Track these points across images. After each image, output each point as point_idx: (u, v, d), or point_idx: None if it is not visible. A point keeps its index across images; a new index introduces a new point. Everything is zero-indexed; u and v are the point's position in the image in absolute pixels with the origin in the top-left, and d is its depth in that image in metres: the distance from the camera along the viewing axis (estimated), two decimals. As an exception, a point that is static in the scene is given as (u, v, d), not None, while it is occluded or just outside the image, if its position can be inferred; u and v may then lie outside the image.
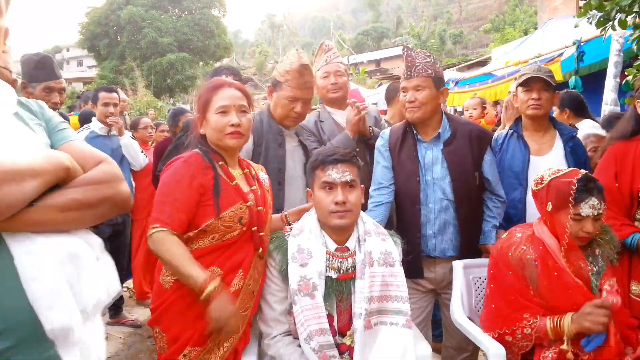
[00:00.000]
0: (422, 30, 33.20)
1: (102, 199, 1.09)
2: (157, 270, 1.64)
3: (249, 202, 1.68)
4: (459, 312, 2.09)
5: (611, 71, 4.19)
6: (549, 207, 1.84)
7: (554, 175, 1.86)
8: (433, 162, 2.32)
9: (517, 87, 2.47)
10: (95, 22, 23.83)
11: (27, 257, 0.97)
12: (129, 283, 4.71)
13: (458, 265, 2.21)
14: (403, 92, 2.33)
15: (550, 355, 1.78)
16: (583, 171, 1.84)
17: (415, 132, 2.36)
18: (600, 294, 1.83)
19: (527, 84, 2.39)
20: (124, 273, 4.31)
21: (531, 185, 1.95)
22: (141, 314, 4.24)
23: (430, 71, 2.27)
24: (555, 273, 1.81)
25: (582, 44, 5.14)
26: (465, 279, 2.19)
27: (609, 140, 2.29)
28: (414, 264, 2.29)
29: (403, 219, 2.34)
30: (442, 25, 39.05)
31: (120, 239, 3.87)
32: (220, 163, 1.70)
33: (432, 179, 2.30)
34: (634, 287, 2.06)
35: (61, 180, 1.05)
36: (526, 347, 1.84)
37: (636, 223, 2.10)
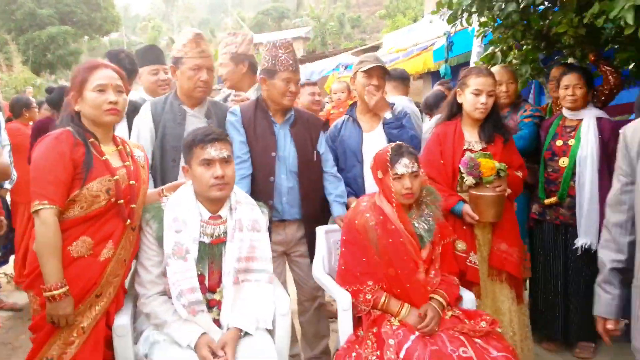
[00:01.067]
0: (322, 12, 33.59)
1: None
2: (32, 240, 1.77)
3: (116, 177, 1.85)
4: (318, 269, 2.43)
5: (474, 60, 4.74)
6: (379, 174, 2.21)
7: (379, 150, 2.25)
8: (284, 139, 2.62)
9: (356, 72, 2.77)
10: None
11: None
12: (5, 269, 4.60)
13: (320, 230, 2.55)
14: (287, 82, 2.57)
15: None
16: (398, 142, 2.23)
17: (269, 112, 2.63)
18: (429, 246, 2.23)
19: (369, 71, 2.72)
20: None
21: (367, 161, 2.31)
22: (20, 298, 4.18)
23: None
24: (391, 232, 2.19)
25: (451, 35, 5.67)
26: (326, 242, 2.52)
27: (436, 122, 2.74)
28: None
29: (256, 189, 2.59)
30: (341, 8, 39.67)
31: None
32: (91, 140, 1.85)
33: (283, 154, 2.61)
34: (459, 245, 2.53)
35: None
36: (364, 311, 2.17)
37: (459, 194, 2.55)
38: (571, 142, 3.00)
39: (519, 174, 2.64)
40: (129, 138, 2.54)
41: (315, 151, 2.70)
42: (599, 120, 2.95)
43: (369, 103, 2.72)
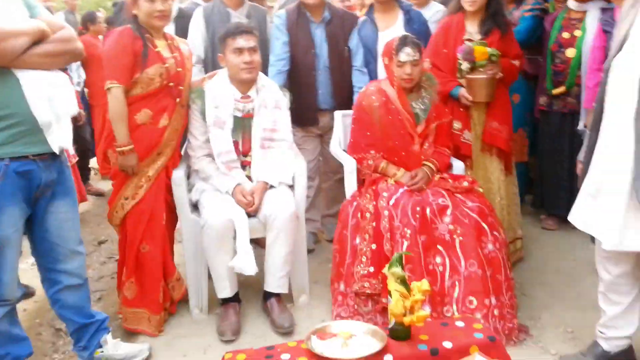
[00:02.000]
0: None
1: (65, 51, 1.83)
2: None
3: (167, 64, 2.39)
4: (335, 145, 2.94)
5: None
6: (385, 61, 2.63)
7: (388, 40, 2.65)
8: (321, 38, 3.06)
9: None
10: None
11: (26, 81, 1.73)
12: (94, 163, 5.46)
13: (338, 114, 3.03)
14: None
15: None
16: (405, 33, 2.62)
17: (308, 14, 3.06)
18: (424, 123, 2.67)
19: None
20: (89, 153, 5.04)
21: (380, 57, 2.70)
22: (104, 185, 5.03)
23: None
24: (392, 111, 2.64)
25: None
26: (342, 124, 3.02)
27: (443, 15, 3.08)
28: (310, 115, 3.15)
29: (299, 83, 3.10)
30: None
31: (82, 126, 4.55)
32: (146, 35, 2.38)
33: (320, 52, 3.06)
34: (455, 125, 2.94)
35: (40, 38, 1.77)
36: (368, 175, 2.68)
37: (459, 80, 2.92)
38: (577, 33, 3.23)
39: (516, 62, 2.95)
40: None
41: (347, 47, 3.12)
42: (603, 10, 3.14)
43: None
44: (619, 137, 1.89)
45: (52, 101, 1.79)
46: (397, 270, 1.93)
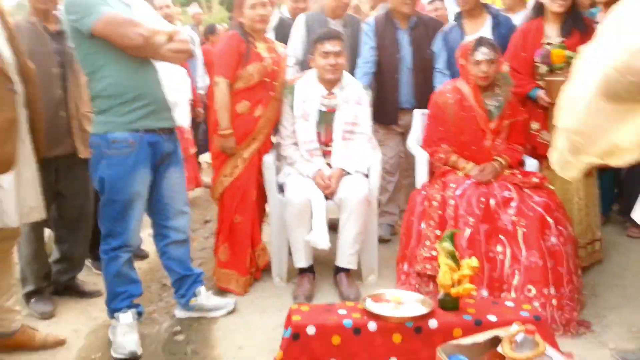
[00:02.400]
0: None
1: (186, 49, 2.30)
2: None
3: (264, 63, 2.80)
4: (412, 141, 3.17)
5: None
6: (462, 61, 2.82)
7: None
8: (406, 42, 3.33)
9: None
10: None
11: (162, 71, 2.27)
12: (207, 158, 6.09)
13: (417, 112, 3.26)
14: None
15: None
16: (481, 36, 2.79)
17: (396, 21, 3.34)
18: (497, 120, 2.82)
19: None
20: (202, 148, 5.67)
21: None
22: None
23: None
24: (466, 108, 2.82)
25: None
26: (421, 122, 3.23)
27: (523, 20, 3.18)
28: (392, 114, 3.42)
29: (384, 83, 3.38)
30: None
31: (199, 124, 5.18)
32: (250, 38, 2.81)
33: (404, 55, 3.32)
34: (533, 125, 3.03)
35: (171, 38, 2.24)
36: (439, 168, 2.87)
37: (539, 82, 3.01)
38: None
39: (598, 64, 2.98)
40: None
41: (430, 51, 3.37)
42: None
43: None
44: None
45: (177, 87, 2.29)
46: (447, 245, 2.13)
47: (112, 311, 2.38)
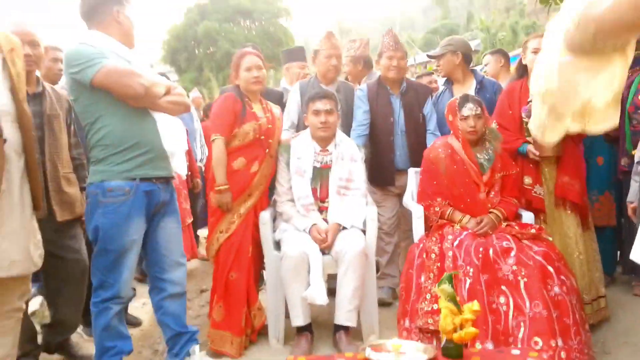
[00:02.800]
0: (492, 23, 32.93)
1: (182, 102, 2.39)
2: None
3: (260, 122, 2.89)
4: (407, 197, 3.19)
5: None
6: (450, 118, 2.91)
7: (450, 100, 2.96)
8: (398, 106, 3.45)
9: None
10: (175, 37, 26.29)
11: (160, 121, 2.32)
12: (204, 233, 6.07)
13: (412, 171, 3.31)
14: (389, 59, 3.44)
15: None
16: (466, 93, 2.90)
17: (388, 87, 3.49)
18: (489, 172, 2.85)
19: None
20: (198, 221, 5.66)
21: None
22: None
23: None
24: (457, 161, 2.87)
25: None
26: (416, 179, 3.27)
27: (508, 80, 3.32)
28: (388, 175, 3.46)
29: (379, 145, 3.46)
30: (514, 17, 38.27)
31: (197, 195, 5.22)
32: (245, 99, 2.92)
33: (397, 119, 3.43)
34: (526, 180, 3.07)
35: (168, 91, 2.33)
36: (436, 221, 2.88)
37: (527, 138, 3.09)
38: (654, 95, 3.28)
39: (585, 120, 3.07)
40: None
41: (421, 114, 3.49)
42: (678, 72, 3.20)
43: None
44: None
45: (174, 137, 2.34)
46: (446, 287, 2.07)
47: None
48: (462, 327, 2.01)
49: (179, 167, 2.48)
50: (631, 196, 2.32)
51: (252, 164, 2.88)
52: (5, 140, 1.93)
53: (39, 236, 2.12)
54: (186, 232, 4.52)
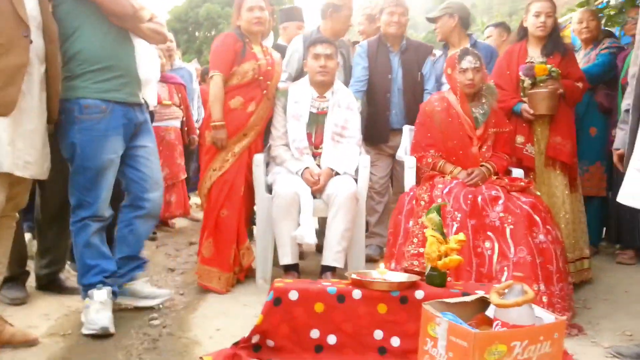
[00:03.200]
0: (494, 26, 33.00)
1: (162, 32, 2.44)
2: None
3: (259, 62, 2.91)
4: (401, 152, 3.22)
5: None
6: (449, 71, 2.94)
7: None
8: (397, 64, 3.47)
9: None
10: (176, 19, 26.14)
11: (139, 48, 2.36)
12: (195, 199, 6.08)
13: (406, 127, 3.34)
14: (390, 15, 3.46)
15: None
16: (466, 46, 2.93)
17: (388, 44, 3.51)
18: (483, 127, 2.88)
19: None
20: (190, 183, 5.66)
21: None
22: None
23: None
24: (453, 115, 2.90)
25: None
26: (410, 136, 3.30)
27: (508, 43, 3.36)
28: (383, 133, 3.49)
29: (376, 103, 3.48)
30: (517, 21, 38.35)
31: (192, 153, 5.21)
32: (246, 40, 2.93)
33: (395, 76, 3.46)
34: (518, 138, 3.10)
35: (151, 18, 2.35)
36: (427, 172, 2.91)
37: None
38: (647, 67, 3.33)
39: (579, 84, 3.12)
40: None
41: (419, 73, 3.51)
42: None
43: None
44: None
45: (149, 66, 2.37)
46: (434, 216, 2.11)
47: (86, 288, 2.28)
48: (446, 255, 2.05)
49: (150, 97, 2.49)
50: (618, 144, 2.36)
51: (249, 103, 2.90)
52: (31, 42, 2.00)
53: (48, 148, 2.16)
54: (179, 188, 4.55)
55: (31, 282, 2.71)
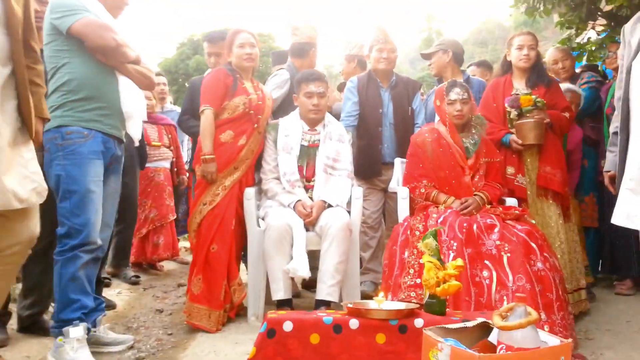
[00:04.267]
0: (474, 73, 34.06)
1: (149, 76, 2.45)
2: None
3: (250, 97, 2.91)
4: (394, 183, 3.20)
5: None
6: (437, 103, 2.96)
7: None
8: (387, 99, 3.51)
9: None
10: (166, 71, 26.53)
11: (123, 83, 2.39)
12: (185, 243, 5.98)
13: (398, 160, 3.33)
14: (379, 52, 3.51)
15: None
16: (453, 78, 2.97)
17: (377, 80, 3.56)
18: (474, 157, 2.89)
19: None
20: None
21: None
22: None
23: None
24: (443, 145, 2.91)
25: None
26: (402, 167, 3.29)
27: (492, 78, 3.41)
28: (374, 167, 3.48)
29: (368, 137, 3.48)
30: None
31: (181, 195, 5.16)
32: (237, 75, 2.95)
33: (386, 111, 3.49)
34: (508, 170, 3.11)
35: (137, 61, 2.37)
36: (421, 202, 2.89)
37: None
38: (631, 97, 3.39)
39: (565, 114, 3.16)
40: None
41: (410, 107, 3.55)
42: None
43: None
44: None
45: (133, 102, 2.39)
46: (430, 241, 2.07)
47: (61, 324, 2.16)
48: (445, 281, 1.99)
49: (135, 132, 2.50)
50: (608, 166, 2.37)
51: (239, 137, 2.88)
52: None
53: (33, 167, 1.81)
54: (168, 229, 4.47)
55: (12, 324, 2.59)
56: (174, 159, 4.56)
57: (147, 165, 4.08)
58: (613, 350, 2.50)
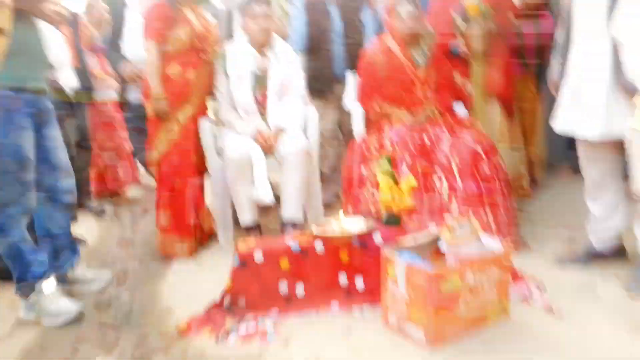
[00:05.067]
0: None
1: (64, 14, 2.25)
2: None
3: (194, 26, 2.82)
4: (348, 99, 3.27)
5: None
6: (387, 17, 2.96)
7: None
8: (336, 15, 3.45)
9: None
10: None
11: (45, 31, 2.20)
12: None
13: (350, 73, 3.37)
14: None
15: None
16: None
17: None
18: (424, 69, 2.95)
19: None
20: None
21: None
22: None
23: None
24: (394, 58, 2.95)
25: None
26: (354, 81, 3.33)
27: None
28: (327, 82, 3.51)
29: (318, 54, 3.45)
30: None
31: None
32: (177, 5, 2.81)
33: (334, 27, 3.45)
34: (457, 78, 3.20)
35: None
36: (374, 119, 2.99)
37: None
38: None
39: (512, 20, 3.22)
40: None
41: (359, 21, 3.51)
42: None
43: None
44: (592, 44, 2.15)
45: (58, 49, 2.28)
46: (384, 163, 2.21)
47: (29, 285, 2.16)
48: (400, 198, 2.16)
49: (67, 80, 2.42)
50: (552, 74, 2.51)
51: (187, 70, 2.83)
52: None
53: None
54: (125, 157, 4.45)
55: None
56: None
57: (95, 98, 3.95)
58: (552, 229, 2.90)
